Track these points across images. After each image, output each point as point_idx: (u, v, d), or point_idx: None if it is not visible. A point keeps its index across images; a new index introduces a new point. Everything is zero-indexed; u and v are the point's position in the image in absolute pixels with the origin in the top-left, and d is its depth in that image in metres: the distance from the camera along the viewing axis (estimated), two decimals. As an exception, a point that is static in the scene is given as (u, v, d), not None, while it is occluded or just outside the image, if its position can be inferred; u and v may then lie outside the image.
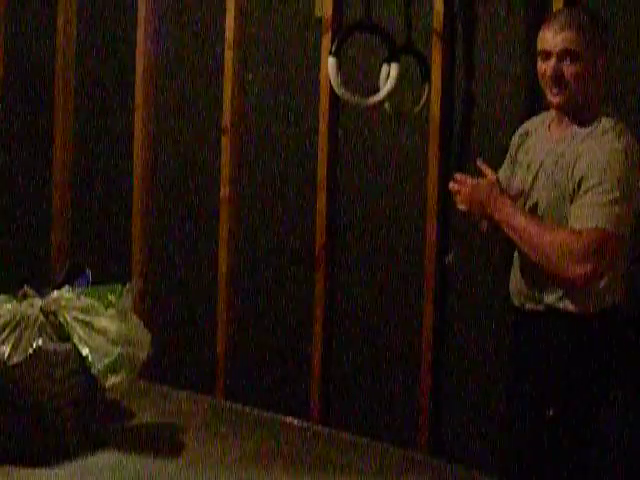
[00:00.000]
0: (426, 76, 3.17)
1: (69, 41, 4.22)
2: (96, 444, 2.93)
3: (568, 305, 2.38)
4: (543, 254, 2.30)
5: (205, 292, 3.84)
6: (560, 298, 2.39)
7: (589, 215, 2.27)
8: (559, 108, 2.39)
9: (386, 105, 3.21)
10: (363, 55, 3.37)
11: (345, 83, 3.11)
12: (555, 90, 2.36)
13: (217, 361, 3.78)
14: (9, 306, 2.98)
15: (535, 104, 2.98)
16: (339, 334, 3.53)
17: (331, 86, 3.17)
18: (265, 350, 3.71)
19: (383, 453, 3.11)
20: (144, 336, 3.06)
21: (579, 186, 2.31)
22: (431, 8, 3.20)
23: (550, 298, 2.40)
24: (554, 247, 2.28)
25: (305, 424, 3.43)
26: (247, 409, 3.59)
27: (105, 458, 2.87)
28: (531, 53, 2.89)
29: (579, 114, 2.38)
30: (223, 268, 3.75)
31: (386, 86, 3.10)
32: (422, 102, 3.18)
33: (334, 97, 3.36)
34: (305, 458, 3.01)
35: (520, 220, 2.34)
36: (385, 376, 3.41)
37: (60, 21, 4.21)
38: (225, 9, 3.70)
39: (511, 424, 2.56)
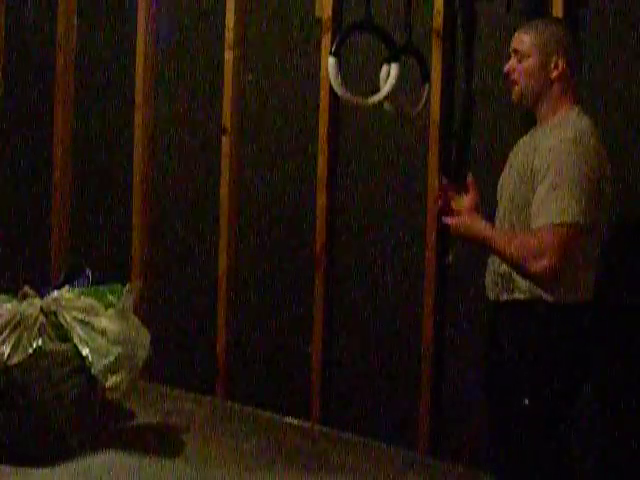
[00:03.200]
0: (426, 76, 3.17)
1: (69, 41, 4.22)
2: (96, 444, 2.93)
3: (542, 294, 2.46)
4: (511, 259, 2.45)
5: (205, 292, 3.84)
6: (534, 287, 2.47)
7: (540, 213, 2.41)
8: (515, 102, 2.59)
9: (386, 105, 3.20)
10: (363, 55, 3.37)
11: (345, 83, 3.11)
12: (509, 85, 2.58)
13: (217, 361, 3.78)
14: (9, 306, 2.98)
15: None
16: (339, 334, 3.53)
17: (331, 86, 3.17)
18: (265, 350, 3.71)
19: (383, 453, 3.12)
20: (144, 336, 3.06)
21: (534, 179, 2.45)
22: (431, 8, 3.21)
23: (524, 287, 2.49)
24: (518, 251, 2.42)
25: (305, 424, 3.43)
26: (247, 409, 3.59)
27: (105, 458, 2.87)
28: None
29: (543, 111, 2.54)
30: (223, 268, 3.76)
31: (386, 86, 3.10)
32: (422, 102, 3.18)
33: (334, 97, 3.36)
34: (305, 458, 3.01)
35: (492, 239, 2.49)
36: (385, 376, 3.41)
37: (60, 21, 4.21)
38: (225, 9, 3.70)
39: (490, 415, 2.63)
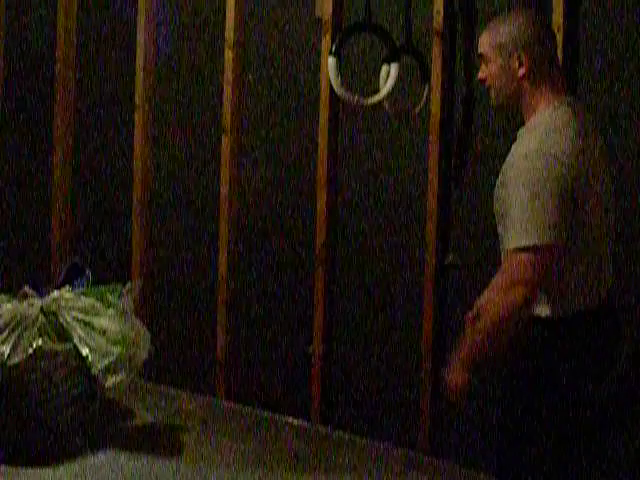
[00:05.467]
0: (426, 76, 3.17)
1: (69, 41, 4.22)
2: (96, 444, 2.92)
3: (535, 309, 2.37)
4: (497, 318, 2.30)
5: (205, 292, 3.84)
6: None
7: (505, 242, 2.30)
8: (494, 107, 2.50)
9: (386, 105, 3.21)
10: (363, 55, 3.37)
11: (345, 83, 3.11)
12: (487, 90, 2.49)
13: (217, 361, 3.78)
14: (9, 306, 2.97)
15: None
16: (339, 334, 3.53)
17: (331, 86, 3.17)
18: (265, 350, 3.71)
19: (383, 453, 3.11)
20: (144, 336, 3.05)
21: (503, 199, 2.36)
22: (431, 8, 3.21)
23: None
24: (499, 300, 2.29)
25: (305, 424, 3.43)
26: (247, 409, 3.58)
27: (105, 458, 2.86)
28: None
29: (524, 110, 2.43)
30: (223, 268, 3.76)
31: (386, 86, 3.10)
32: (422, 102, 3.18)
33: (334, 97, 3.36)
34: (305, 458, 3.00)
35: (475, 339, 2.36)
36: (385, 376, 3.41)
37: (60, 21, 4.22)
38: (225, 9, 3.70)
39: (493, 428, 2.60)
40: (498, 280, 2.30)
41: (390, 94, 3.11)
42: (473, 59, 3.17)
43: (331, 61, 3.06)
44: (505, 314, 2.30)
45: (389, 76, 3.08)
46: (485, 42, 2.43)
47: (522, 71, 2.39)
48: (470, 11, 3.18)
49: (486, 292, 2.35)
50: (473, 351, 2.39)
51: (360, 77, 3.34)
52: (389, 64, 3.09)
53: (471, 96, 3.20)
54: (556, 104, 2.39)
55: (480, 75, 2.48)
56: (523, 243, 2.25)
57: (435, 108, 3.21)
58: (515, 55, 2.38)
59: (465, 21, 3.19)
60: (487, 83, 2.46)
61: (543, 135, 2.33)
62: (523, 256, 2.25)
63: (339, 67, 3.06)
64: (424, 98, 3.17)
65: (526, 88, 2.40)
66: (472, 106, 3.20)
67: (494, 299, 2.30)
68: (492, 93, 2.47)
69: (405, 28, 3.17)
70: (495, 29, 2.43)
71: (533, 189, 2.24)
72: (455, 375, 2.43)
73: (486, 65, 2.44)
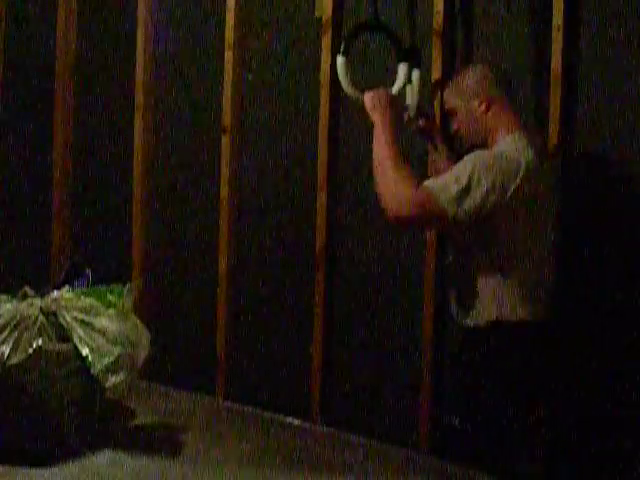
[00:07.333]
0: (402, 56, 3.08)
1: (69, 41, 4.22)
2: (96, 444, 2.92)
3: (468, 319, 2.64)
4: (383, 185, 2.53)
5: (205, 292, 3.84)
6: (461, 312, 2.67)
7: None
8: (467, 151, 2.69)
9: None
10: (366, 55, 3.37)
11: (353, 82, 3.09)
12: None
13: (217, 361, 3.78)
14: (9, 306, 2.97)
15: (533, 104, 2.99)
16: (339, 334, 3.53)
17: (331, 86, 3.17)
18: (265, 350, 3.71)
19: (383, 453, 3.11)
20: (144, 336, 3.05)
21: None
22: (431, 8, 3.20)
23: (455, 311, 2.71)
24: (393, 184, 2.51)
25: (305, 424, 3.43)
26: (247, 409, 3.58)
27: (105, 458, 2.86)
28: (531, 53, 2.91)
29: (489, 145, 2.68)
30: (223, 268, 3.76)
31: (394, 87, 3.04)
32: (399, 84, 3.09)
33: (334, 97, 3.36)
34: (305, 458, 3.00)
35: (385, 143, 2.59)
36: (385, 376, 3.41)
37: (60, 21, 4.22)
38: (225, 9, 3.70)
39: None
40: (407, 187, 2.48)
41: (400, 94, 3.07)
42: (473, 59, 3.18)
43: (340, 61, 3.02)
44: (384, 192, 2.52)
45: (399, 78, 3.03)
46: (450, 96, 2.74)
47: (482, 108, 2.66)
48: (470, 11, 3.18)
49: (401, 171, 2.53)
50: (380, 130, 2.65)
51: (363, 77, 3.34)
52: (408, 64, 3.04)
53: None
54: (516, 134, 2.62)
55: (453, 127, 2.74)
56: (437, 190, 2.45)
57: (435, 108, 3.21)
58: (475, 97, 2.67)
59: (465, 21, 3.19)
60: (459, 132, 2.73)
61: (506, 148, 2.57)
62: (428, 195, 2.46)
63: (348, 67, 3.03)
64: (400, 80, 3.06)
65: (489, 122, 2.66)
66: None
67: (396, 182, 2.50)
68: (464, 139, 2.73)
69: (409, 28, 3.16)
70: (455, 84, 2.74)
71: (467, 172, 2.47)
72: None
73: (455, 116, 2.73)
